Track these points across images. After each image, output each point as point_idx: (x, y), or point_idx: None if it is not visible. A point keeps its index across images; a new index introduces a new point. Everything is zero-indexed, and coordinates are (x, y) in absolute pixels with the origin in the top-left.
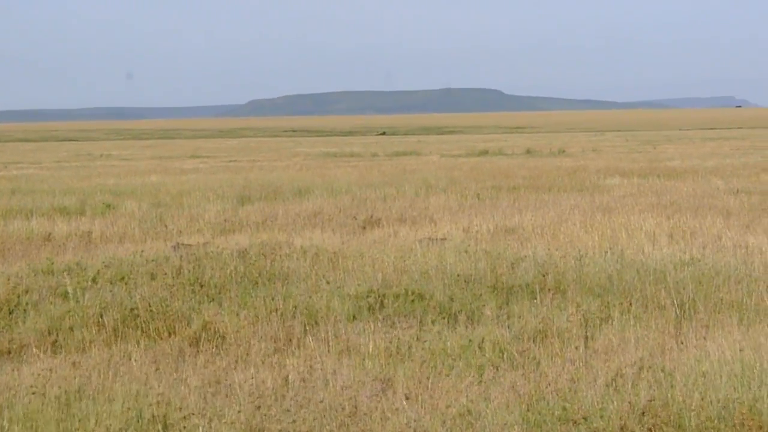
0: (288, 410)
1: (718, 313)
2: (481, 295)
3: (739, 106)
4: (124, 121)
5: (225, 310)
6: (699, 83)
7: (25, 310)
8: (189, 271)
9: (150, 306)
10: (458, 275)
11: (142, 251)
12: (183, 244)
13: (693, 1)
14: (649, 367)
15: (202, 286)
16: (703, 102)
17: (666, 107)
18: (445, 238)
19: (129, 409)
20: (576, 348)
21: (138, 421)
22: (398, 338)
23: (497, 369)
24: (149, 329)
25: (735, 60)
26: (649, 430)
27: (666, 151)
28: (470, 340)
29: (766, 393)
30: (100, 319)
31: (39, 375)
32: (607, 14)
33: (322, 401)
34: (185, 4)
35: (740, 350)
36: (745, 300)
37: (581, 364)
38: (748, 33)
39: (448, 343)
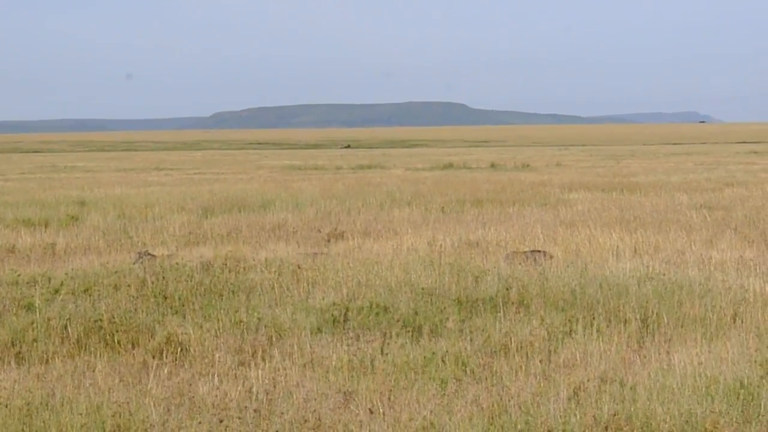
0: (251, 423)
1: (681, 327)
2: (445, 308)
3: (703, 122)
4: (88, 133)
5: (189, 322)
6: (663, 99)
7: None
8: (153, 283)
9: (114, 318)
10: (423, 288)
11: (107, 263)
12: (148, 254)
13: (656, 18)
14: (612, 381)
15: (165, 298)
16: (666, 117)
17: (630, 122)
18: (410, 251)
19: (92, 420)
20: (539, 362)
21: None
22: (362, 351)
23: (460, 382)
24: (113, 341)
25: (698, 76)
26: None
27: (629, 165)
28: (433, 354)
29: (729, 407)
30: (63, 331)
31: (2, 386)
32: (572, 30)
33: (285, 414)
34: (149, 17)
35: (702, 364)
36: (707, 314)
37: (544, 377)
38: (711, 49)
39: (411, 357)
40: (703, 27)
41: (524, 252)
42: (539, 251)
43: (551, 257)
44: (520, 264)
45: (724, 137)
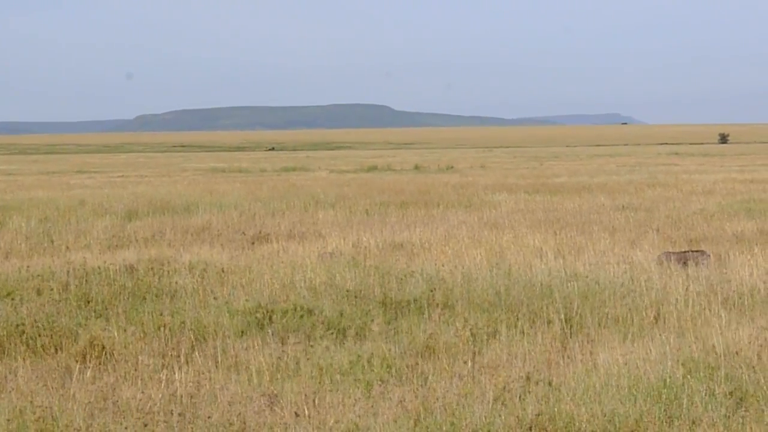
0: (176, 426)
1: (604, 327)
2: (369, 310)
3: (625, 123)
4: (8, 136)
5: (112, 325)
6: (586, 101)
7: None
8: (76, 287)
9: (36, 322)
10: (347, 290)
11: (29, 267)
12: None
13: (578, 21)
14: (537, 382)
15: (89, 302)
16: (589, 119)
17: (553, 124)
18: (334, 254)
19: (15, 425)
20: (464, 363)
21: None
22: (286, 354)
23: (385, 384)
24: (35, 345)
25: (621, 78)
26: None
27: (553, 167)
28: (358, 356)
29: (652, 406)
30: None
31: None
32: (496, 32)
33: (210, 417)
34: (71, 19)
35: (626, 364)
36: (630, 315)
37: (469, 379)
38: (633, 52)
39: (336, 359)
40: (625, 30)
41: (680, 252)
42: (699, 251)
43: (709, 256)
44: (675, 266)
45: (646, 139)
